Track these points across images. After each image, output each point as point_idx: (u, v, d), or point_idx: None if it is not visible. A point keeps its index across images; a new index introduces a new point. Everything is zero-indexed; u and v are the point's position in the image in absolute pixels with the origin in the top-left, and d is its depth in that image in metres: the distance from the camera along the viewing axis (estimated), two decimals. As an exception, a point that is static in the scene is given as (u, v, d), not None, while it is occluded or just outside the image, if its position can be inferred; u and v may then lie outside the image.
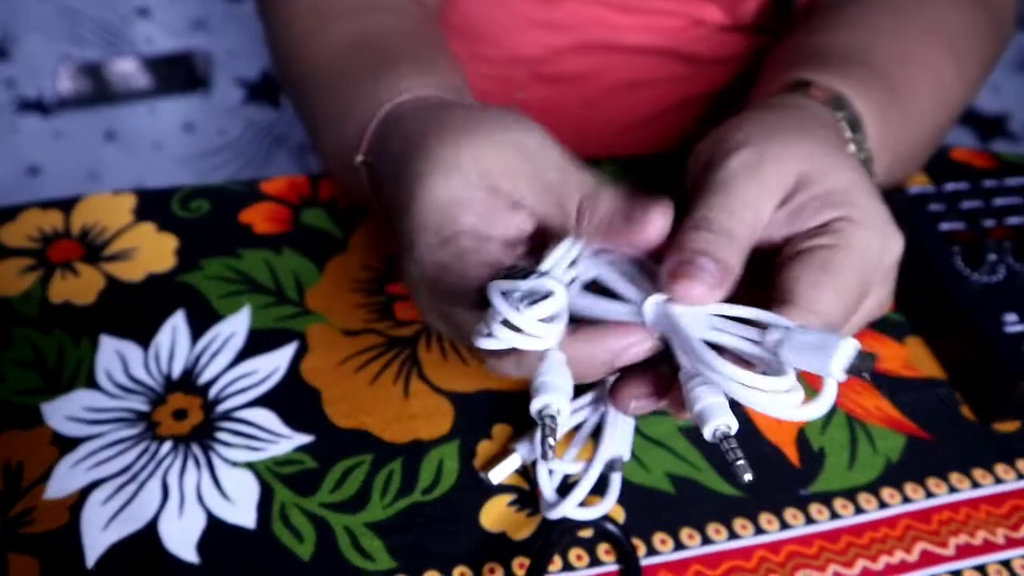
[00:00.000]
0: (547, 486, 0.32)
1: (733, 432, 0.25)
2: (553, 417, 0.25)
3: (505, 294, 0.25)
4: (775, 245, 0.30)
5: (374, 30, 0.42)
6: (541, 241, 0.30)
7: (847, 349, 0.23)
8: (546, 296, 0.25)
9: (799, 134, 0.31)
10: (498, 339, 0.24)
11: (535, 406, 0.25)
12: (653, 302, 0.26)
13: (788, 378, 0.24)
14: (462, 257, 0.29)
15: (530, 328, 0.24)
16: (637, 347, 0.27)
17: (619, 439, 0.33)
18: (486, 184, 0.30)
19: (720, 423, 0.24)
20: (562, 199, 0.30)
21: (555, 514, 0.31)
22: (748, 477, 0.25)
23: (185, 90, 0.91)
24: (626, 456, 0.33)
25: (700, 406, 0.25)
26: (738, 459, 0.25)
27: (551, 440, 0.24)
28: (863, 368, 0.23)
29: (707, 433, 0.25)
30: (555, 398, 0.25)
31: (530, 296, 0.25)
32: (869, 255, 0.29)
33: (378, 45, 0.40)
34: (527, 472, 0.34)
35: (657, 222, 0.28)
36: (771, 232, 0.30)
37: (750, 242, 0.29)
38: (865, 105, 0.36)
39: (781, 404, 0.24)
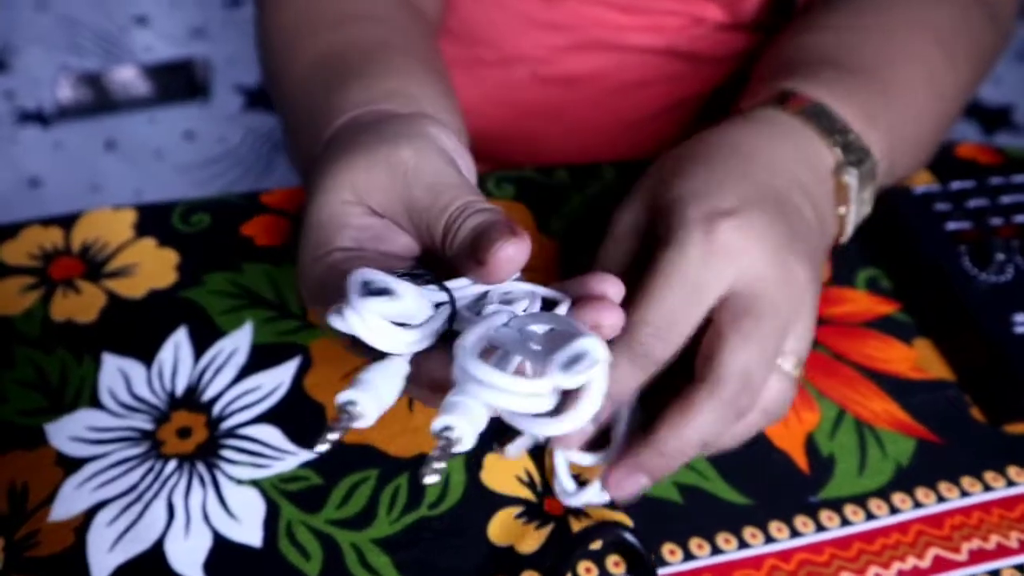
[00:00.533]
0: (565, 474, 0.31)
1: (455, 436, 0.22)
2: (350, 414, 0.23)
3: (367, 284, 0.24)
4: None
5: (342, 43, 0.40)
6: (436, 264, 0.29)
7: (572, 347, 0.22)
8: (390, 294, 0.24)
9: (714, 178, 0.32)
10: (341, 320, 0.24)
11: (342, 396, 0.24)
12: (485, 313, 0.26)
13: (543, 382, 0.22)
14: (333, 270, 0.28)
15: (367, 321, 0.23)
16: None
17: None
18: (362, 204, 0.29)
19: (448, 421, 0.22)
20: (429, 220, 0.28)
21: (576, 501, 0.31)
22: (428, 480, 0.22)
23: (185, 98, 0.91)
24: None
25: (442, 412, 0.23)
26: (435, 460, 0.22)
27: (332, 436, 0.23)
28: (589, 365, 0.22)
29: (433, 426, 0.23)
30: (362, 397, 0.23)
31: (386, 294, 0.24)
32: (776, 297, 0.30)
33: (337, 63, 0.39)
34: (533, 484, 0.34)
35: (506, 253, 0.25)
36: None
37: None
38: (849, 110, 0.36)
39: (528, 407, 0.22)
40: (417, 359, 0.26)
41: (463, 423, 0.22)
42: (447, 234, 0.27)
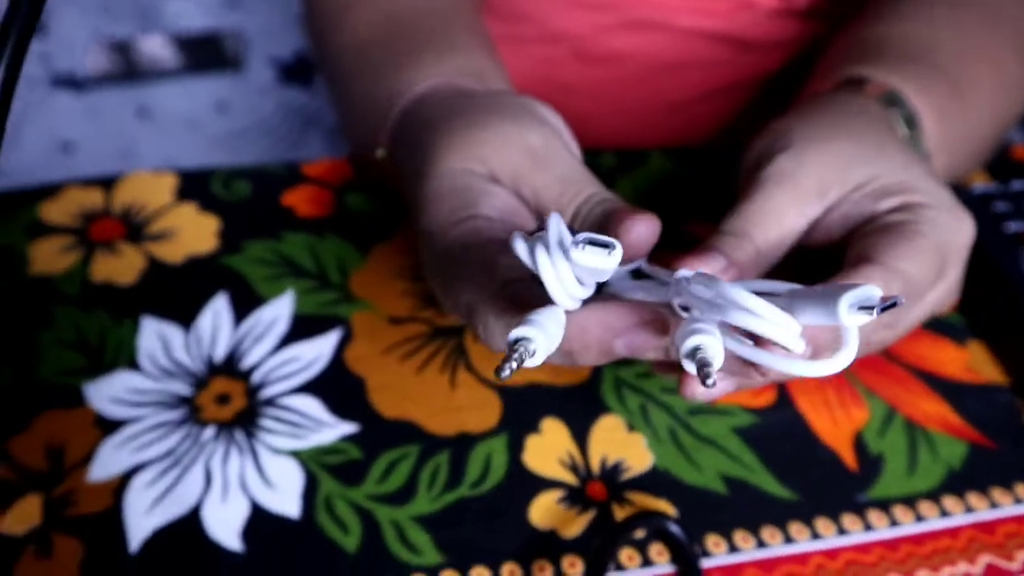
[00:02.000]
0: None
1: (711, 355, 0.22)
2: (525, 351, 0.22)
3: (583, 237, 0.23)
4: (832, 243, 0.30)
5: (397, 12, 0.41)
6: None
7: (855, 290, 0.21)
8: (607, 247, 0.22)
9: (843, 138, 0.31)
10: (536, 261, 0.23)
11: (516, 332, 0.22)
12: (677, 276, 0.25)
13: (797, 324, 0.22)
14: (477, 235, 0.28)
15: (580, 263, 0.22)
16: (640, 334, 0.25)
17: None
18: (494, 179, 0.30)
19: (701, 341, 0.22)
20: (559, 206, 0.29)
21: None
22: (711, 382, 0.21)
23: (214, 70, 0.90)
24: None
25: (687, 333, 0.22)
26: (707, 374, 0.22)
27: (512, 365, 0.22)
28: (874, 305, 0.21)
29: (684, 349, 0.22)
30: (539, 337, 0.22)
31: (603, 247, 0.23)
32: (944, 230, 0.28)
33: (399, 30, 0.40)
34: (576, 467, 0.33)
35: (637, 230, 0.26)
36: (827, 234, 0.30)
37: (771, 246, 0.29)
38: (923, 102, 0.35)
39: (795, 345, 0.22)
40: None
41: (714, 345, 0.22)
42: (575, 218, 0.28)
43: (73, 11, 0.83)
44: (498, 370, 0.21)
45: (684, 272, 0.25)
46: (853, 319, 0.21)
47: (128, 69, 0.91)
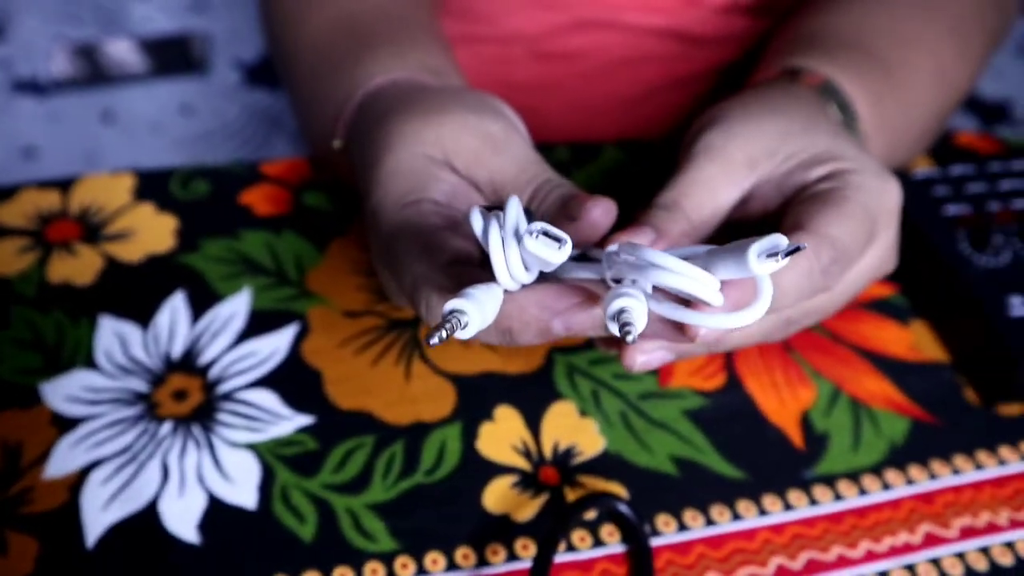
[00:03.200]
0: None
1: (633, 316, 0.22)
2: (457, 323, 0.22)
3: (538, 228, 0.23)
4: (770, 214, 0.31)
5: (357, 11, 0.42)
6: None
7: (762, 240, 0.22)
8: (559, 241, 0.23)
9: (773, 114, 0.33)
10: (488, 239, 0.23)
11: (451, 303, 0.23)
12: (607, 250, 0.26)
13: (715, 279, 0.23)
14: (424, 218, 0.29)
15: (531, 251, 0.22)
16: (576, 314, 0.25)
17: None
18: (448, 164, 0.30)
19: (624, 303, 0.23)
20: (515, 189, 0.30)
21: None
22: (631, 339, 0.22)
23: (180, 73, 0.90)
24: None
25: (612, 298, 0.23)
26: (628, 332, 0.22)
27: (442, 334, 0.22)
28: (780, 251, 0.22)
29: (608, 311, 0.23)
30: (473, 311, 0.23)
31: (555, 241, 0.23)
32: (870, 193, 0.29)
33: (359, 28, 0.40)
34: (529, 453, 0.34)
35: (595, 214, 0.27)
36: (764, 205, 0.31)
37: (704, 217, 0.30)
38: (856, 88, 0.36)
39: (714, 299, 0.23)
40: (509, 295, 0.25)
41: (637, 307, 0.22)
42: (532, 200, 0.29)
43: (34, 16, 0.83)
44: (427, 337, 0.22)
45: (612, 247, 0.26)
46: (763, 267, 0.22)
47: (93, 73, 0.90)
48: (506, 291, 0.25)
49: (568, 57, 0.55)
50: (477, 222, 0.24)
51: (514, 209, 0.24)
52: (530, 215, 0.25)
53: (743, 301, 0.24)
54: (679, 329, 0.25)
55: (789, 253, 0.22)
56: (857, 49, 0.38)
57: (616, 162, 0.46)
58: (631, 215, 0.37)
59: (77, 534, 0.30)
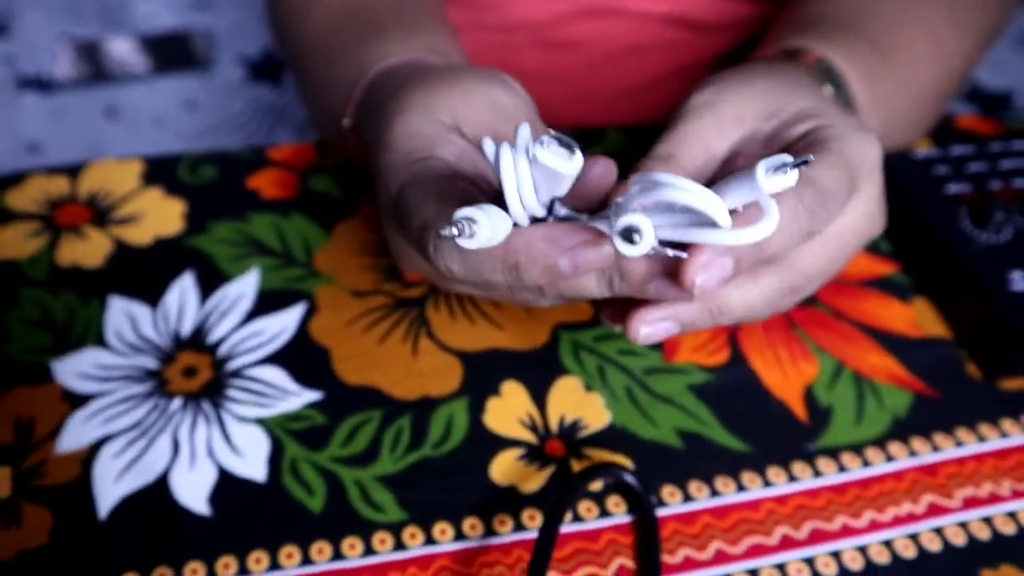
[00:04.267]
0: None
1: (642, 230, 0.22)
2: (467, 228, 0.22)
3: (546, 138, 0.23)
4: None
5: (366, 0, 0.42)
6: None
7: (769, 158, 0.22)
8: (569, 148, 0.23)
9: (763, 76, 0.33)
10: (500, 160, 0.23)
11: (462, 211, 0.22)
12: (616, 200, 0.25)
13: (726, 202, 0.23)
14: (433, 171, 0.29)
15: (542, 162, 0.22)
16: (584, 251, 0.25)
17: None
18: (458, 129, 0.31)
19: (632, 220, 0.22)
20: None
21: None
22: (637, 242, 0.22)
23: (183, 69, 0.90)
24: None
25: (619, 212, 0.23)
26: (633, 239, 0.22)
27: (452, 230, 0.22)
28: (789, 164, 0.22)
29: (617, 227, 0.23)
30: (484, 220, 0.22)
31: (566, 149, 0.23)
32: (850, 144, 0.30)
33: (367, 13, 0.41)
34: (535, 427, 0.34)
35: (595, 170, 0.28)
36: (749, 163, 0.31)
37: (697, 168, 0.31)
38: (850, 67, 0.37)
39: (722, 217, 0.23)
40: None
41: (644, 223, 0.22)
42: None
43: (38, 13, 0.83)
44: (438, 229, 0.21)
45: (619, 197, 0.26)
46: (772, 182, 0.22)
47: (96, 71, 0.91)
48: (516, 225, 0.25)
49: (572, 45, 0.56)
50: (489, 147, 0.24)
51: (525, 132, 0.24)
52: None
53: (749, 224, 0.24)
54: (678, 284, 0.25)
55: (797, 165, 0.22)
56: (852, 30, 0.39)
57: (619, 146, 0.46)
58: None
59: (90, 506, 0.31)
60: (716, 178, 0.32)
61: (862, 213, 0.30)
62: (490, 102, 0.30)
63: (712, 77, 0.34)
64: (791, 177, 0.22)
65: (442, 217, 0.26)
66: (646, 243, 0.22)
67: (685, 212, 0.24)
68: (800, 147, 0.30)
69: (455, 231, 0.22)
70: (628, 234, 0.22)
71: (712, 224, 0.23)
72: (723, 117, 0.31)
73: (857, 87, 0.36)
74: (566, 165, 0.23)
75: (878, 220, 0.32)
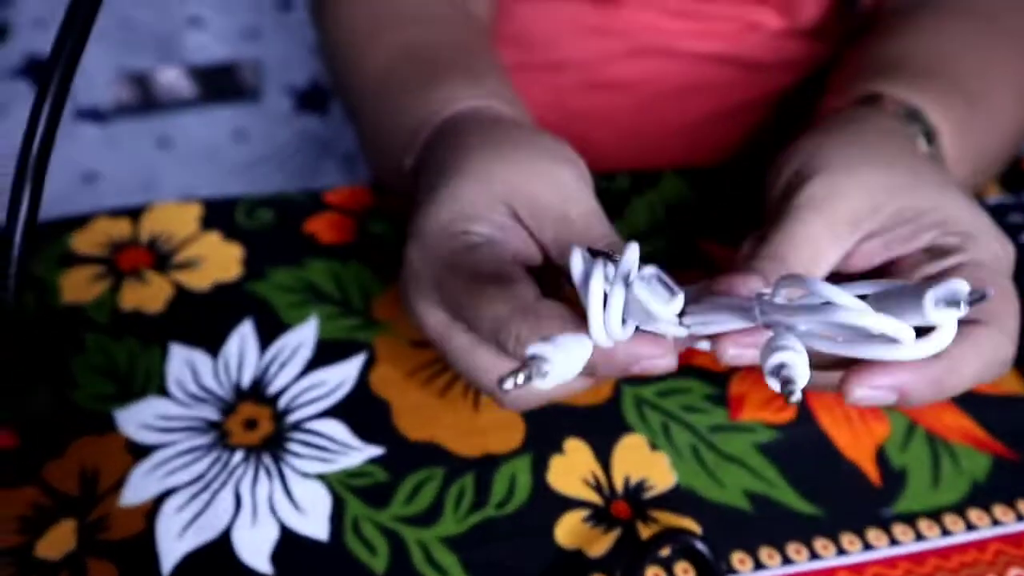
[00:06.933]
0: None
1: (795, 373, 0.22)
2: (537, 369, 0.22)
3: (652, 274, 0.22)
4: (873, 268, 0.30)
5: (428, 40, 0.42)
6: (550, 278, 0.30)
7: (940, 286, 0.21)
8: (671, 291, 0.22)
9: (874, 163, 0.31)
10: (589, 286, 0.22)
11: (534, 348, 0.22)
12: (757, 294, 0.25)
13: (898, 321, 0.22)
14: (472, 248, 0.28)
15: (640, 298, 0.22)
16: (660, 360, 0.26)
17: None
18: (510, 208, 0.30)
19: (785, 358, 0.22)
20: (584, 241, 0.29)
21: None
22: (795, 398, 0.22)
23: (232, 99, 0.92)
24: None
25: (770, 352, 0.22)
26: (790, 390, 0.22)
27: (519, 379, 0.21)
28: (960, 299, 0.21)
29: (768, 365, 0.22)
30: (559, 359, 0.22)
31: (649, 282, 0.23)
32: (999, 261, 0.28)
33: (431, 55, 0.41)
34: (600, 487, 0.33)
35: None
36: (867, 260, 0.30)
37: (807, 273, 0.29)
38: (941, 117, 0.36)
39: (906, 335, 0.22)
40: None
41: (798, 360, 0.22)
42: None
43: (95, 46, 0.86)
44: (501, 380, 0.21)
45: (763, 289, 0.25)
46: (941, 315, 0.21)
47: (145, 102, 0.93)
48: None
49: (621, 86, 0.55)
50: (577, 264, 0.23)
51: (632, 255, 0.23)
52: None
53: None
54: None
55: (973, 302, 0.21)
56: (939, 76, 0.37)
57: (676, 190, 0.46)
58: (693, 243, 0.37)
59: (153, 562, 0.31)
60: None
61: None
62: (550, 178, 0.30)
63: (818, 158, 0.31)
64: (963, 312, 0.21)
65: (518, 311, 0.25)
66: (800, 387, 0.21)
67: (840, 326, 0.22)
68: (944, 259, 0.28)
69: (521, 377, 0.21)
70: (779, 370, 0.21)
71: (880, 337, 0.22)
72: (838, 219, 0.29)
73: (948, 141, 0.35)
74: (663, 309, 0.22)
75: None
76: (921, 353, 0.22)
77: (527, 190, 0.30)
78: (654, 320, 0.23)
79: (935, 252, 0.29)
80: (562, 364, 0.22)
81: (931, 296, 0.21)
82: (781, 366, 0.22)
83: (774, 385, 0.22)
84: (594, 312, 0.23)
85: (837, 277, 0.31)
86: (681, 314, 0.25)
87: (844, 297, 0.22)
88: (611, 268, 0.23)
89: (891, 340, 0.22)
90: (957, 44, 0.40)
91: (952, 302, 0.21)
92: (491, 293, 0.27)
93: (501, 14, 0.52)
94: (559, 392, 0.28)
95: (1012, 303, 0.28)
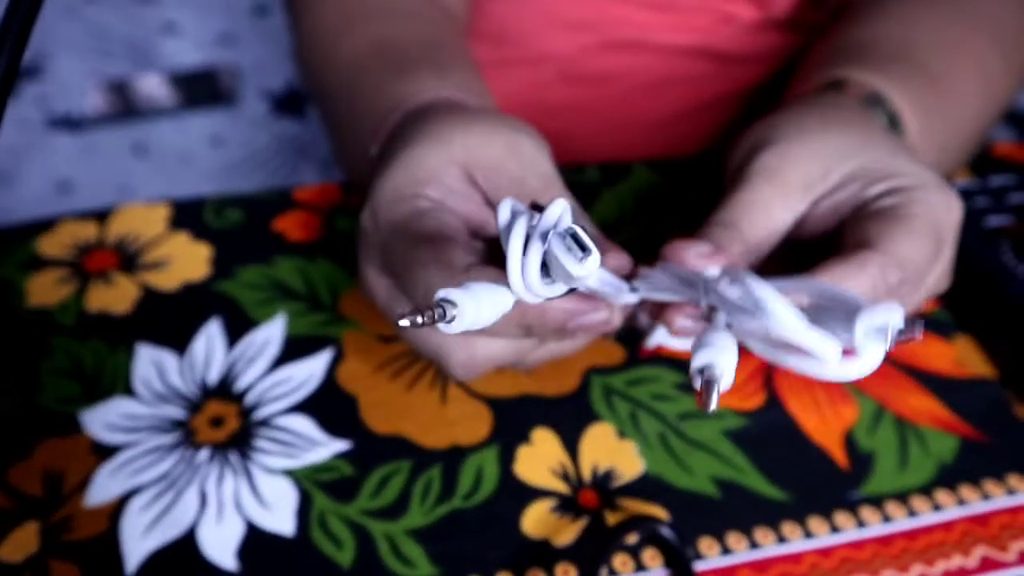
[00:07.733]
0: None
1: (718, 374, 0.22)
2: (442, 312, 0.21)
3: (568, 230, 0.22)
4: (826, 234, 0.30)
5: (397, 35, 0.42)
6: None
7: (871, 314, 0.21)
8: (585, 250, 0.22)
9: (827, 133, 0.32)
10: (509, 237, 0.22)
11: (443, 292, 0.22)
12: (704, 275, 0.25)
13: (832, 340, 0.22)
14: (419, 214, 0.28)
15: (553, 253, 0.21)
16: (594, 315, 0.26)
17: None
18: (466, 172, 0.30)
19: (711, 358, 0.22)
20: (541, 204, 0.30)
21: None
22: (712, 407, 0.22)
23: (209, 105, 0.92)
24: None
25: (698, 348, 0.23)
26: (710, 390, 0.22)
27: (417, 319, 0.21)
28: (894, 333, 0.21)
29: (694, 364, 0.22)
30: (463, 301, 0.21)
31: (567, 244, 0.22)
32: (935, 209, 0.29)
33: (400, 49, 0.41)
34: (567, 476, 0.33)
35: (608, 264, 0.28)
36: (821, 225, 0.30)
37: (760, 239, 0.29)
38: (904, 99, 0.36)
39: (829, 355, 0.22)
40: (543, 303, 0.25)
41: (725, 361, 0.22)
42: None
43: (70, 54, 0.85)
44: (400, 316, 0.20)
45: (712, 271, 0.25)
46: (867, 345, 0.22)
47: (125, 108, 0.93)
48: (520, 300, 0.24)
49: (598, 79, 0.55)
50: (504, 215, 0.23)
51: (554, 211, 0.22)
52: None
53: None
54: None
55: (904, 341, 0.21)
56: (904, 60, 0.38)
57: (646, 181, 0.46)
58: (664, 235, 0.37)
59: (117, 561, 0.30)
60: (780, 245, 0.30)
61: (937, 273, 0.29)
62: (509, 144, 0.30)
63: (772, 129, 0.32)
64: (888, 346, 0.22)
65: (448, 280, 0.25)
66: (722, 389, 0.21)
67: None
68: (880, 209, 0.29)
69: (421, 318, 0.21)
70: (703, 371, 0.22)
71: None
72: (789, 185, 0.30)
73: (911, 123, 0.35)
74: (575, 268, 0.21)
75: (944, 280, 0.31)
76: (844, 376, 0.23)
77: (485, 154, 0.30)
78: (572, 278, 0.23)
79: (882, 205, 0.29)
80: (472, 311, 0.21)
81: (862, 324, 0.21)
82: (706, 367, 0.22)
83: (696, 383, 0.22)
84: (512, 262, 0.22)
85: (787, 247, 0.31)
86: (630, 277, 0.25)
87: (779, 304, 0.22)
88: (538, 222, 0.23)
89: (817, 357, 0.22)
90: (923, 30, 0.41)
91: (881, 331, 0.21)
92: (424, 259, 0.27)
93: (477, 11, 0.52)
94: (503, 353, 0.28)
95: (923, 244, 0.28)
